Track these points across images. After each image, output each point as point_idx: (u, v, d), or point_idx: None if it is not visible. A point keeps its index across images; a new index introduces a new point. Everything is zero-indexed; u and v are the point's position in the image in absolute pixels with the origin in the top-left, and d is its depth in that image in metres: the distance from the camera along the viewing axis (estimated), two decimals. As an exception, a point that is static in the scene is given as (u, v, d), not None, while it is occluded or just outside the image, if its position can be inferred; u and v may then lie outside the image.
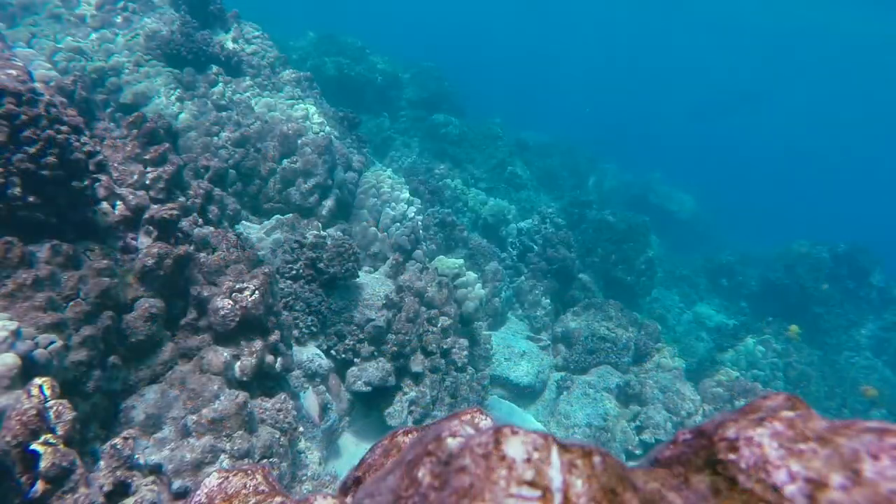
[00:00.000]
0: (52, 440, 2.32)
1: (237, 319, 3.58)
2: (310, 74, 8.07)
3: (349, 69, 13.48)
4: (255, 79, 7.38)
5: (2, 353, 2.40)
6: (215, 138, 6.46)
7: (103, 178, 3.34)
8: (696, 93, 46.53)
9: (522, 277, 9.01)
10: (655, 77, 47.94)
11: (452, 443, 0.62)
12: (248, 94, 7.14)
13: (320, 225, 6.50)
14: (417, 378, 5.49)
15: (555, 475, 0.56)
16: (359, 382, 5.17)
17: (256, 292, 3.67)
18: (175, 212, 3.63)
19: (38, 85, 3.18)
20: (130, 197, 3.53)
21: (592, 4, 45.72)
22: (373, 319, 5.42)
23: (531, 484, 0.55)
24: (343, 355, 5.29)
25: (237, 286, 3.66)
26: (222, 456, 3.18)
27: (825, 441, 0.62)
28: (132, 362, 3.20)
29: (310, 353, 4.99)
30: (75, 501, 2.32)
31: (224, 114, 6.66)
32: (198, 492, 1.14)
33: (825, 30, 32.69)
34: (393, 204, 7.05)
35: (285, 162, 6.56)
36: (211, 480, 1.15)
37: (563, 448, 0.59)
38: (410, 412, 5.31)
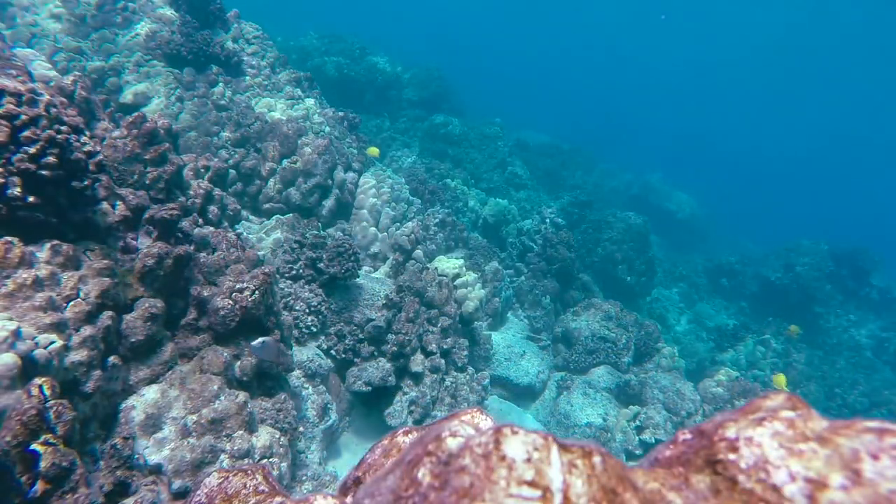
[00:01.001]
0: (52, 440, 2.32)
1: (237, 319, 3.58)
2: (310, 74, 8.07)
3: (349, 69, 13.49)
4: (255, 79, 7.39)
5: (2, 353, 2.40)
6: (215, 138, 6.47)
7: (103, 178, 3.34)
8: (695, 92, 46.54)
9: (522, 277, 9.01)
10: (655, 77, 47.95)
11: (452, 443, 0.62)
12: (248, 94, 7.15)
13: (320, 225, 6.50)
14: (417, 378, 5.49)
15: (555, 475, 0.56)
16: (359, 382, 5.17)
17: (256, 292, 3.68)
18: (175, 212, 3.63)
19: (38, 85, 3.19)
20: (130, 197, 3.53)
21: (592, 4, 45.76)
22: (373, 319, 5.42)
23: (531, 484, 0.55)
24: (343, 355, 5.29)
25: (237, 286, 3.66)
26: (222, 456, 3.18)
27: (825, 441, 0.62)
28: (132, 362, 3.21)
29: (310, 353, 4.99)
30: (75, 501, 2.32)
31: (224, 114, 6.66)
32: (198, 492, 1.14)
33: (827, 30, 32.70)
34: (393, 204, 7.05)
35: (285, 162, 6.56)
36: (211, 480, 1.15)
37: (564, 448, 0.59)
38: (410, 412, 5.31)
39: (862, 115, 41.13)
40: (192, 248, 3.78)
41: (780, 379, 7.47)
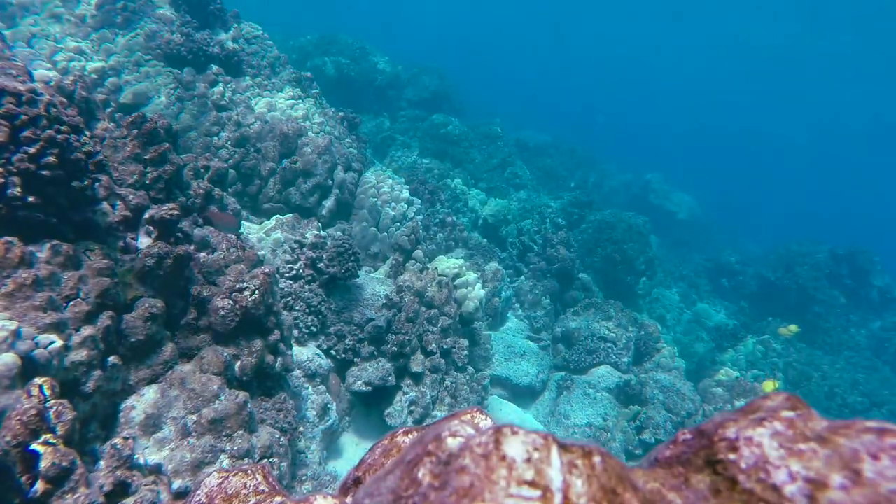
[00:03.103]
0: (52, 440, 2.32)
1: (237, 319, 3.58)
2: (310, 74, 8.07)
3: (349, 69, 13.49)
4: (255, 79, 7.38)
5: (2, 353, 2.40)
6: (215, 138, 6.46)
7: (103, 178, 3.34)
8: (695, 91, 46.56)
9: (522, 277, 9.01)
10: (656, 76, 47.95)
11: (452, 443, 0.62)
12: (248, 94, 7.15)
13: (320, 225, 6.50)
14: (417, 378, 5.49)
15: (555, 475, 0.56)
16: (359, 382, 5.17)
17: (256, 292, 3.67)
18: (175, 212, 3.63)
19: (38, 85, 3.19)
20: (130, 197, 3.53)
21: (591, 4, 45.74)
22: (373, 319, 5.42)
23: (531, 484, 0.55)
24: (343, 355, 5.29)
25: (237, 286, 3.66)
26: (222, 456, 3.18)
27: (825, 441, 0.62)
28: (132, 362, 3.20)
29: (310, 353, 4.99)
30: (75, 501, 2.32)
31: (224, 114, 6.66)
32: (198, 492, 1.14)
33: (827, 28, 32.67)
34: (393, 204, 7.05)
35: (285, 162, 6.56)
36: (211, 480, 1.15)
37: (564, 448, 0.59)
38: (410, 412, 5.31)
39: (862, 114, 41.14)
40: (192, 248, 3.78)
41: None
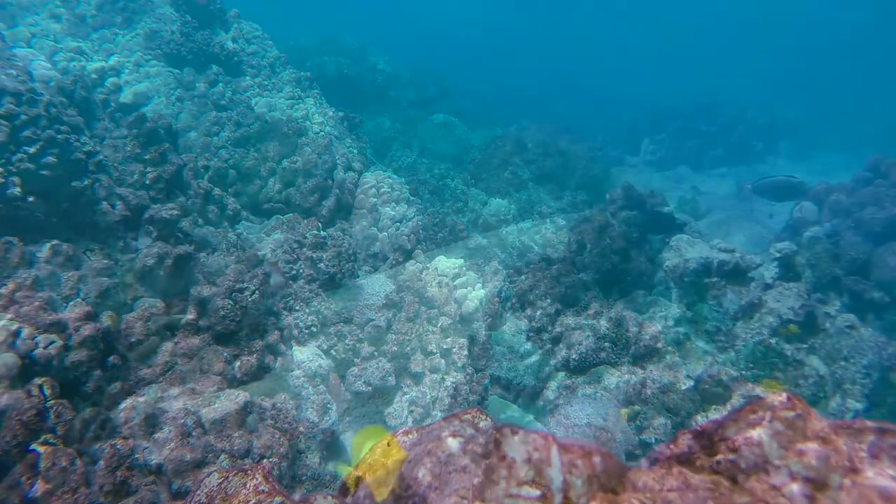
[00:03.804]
0: (52, 440, 2.32)
1: (237, 319, 3.58)
2: (310, 74, 8.07)
3: (349, 69, 13.50)
4: (255, 78, 7.38)
5: (2, 353, 2.40)
6: (215, 138, 6.46)
7: (103, 178, 3.34)
8: (696, 90, 46.45)
9: (522, 277, 9.01)
10: (657, 75, 47.88)
11: (453, 443, 0.62)
12: (248, 93, 7.14)
13: (320, 225, 6.50)
14: (417, 378, 5.49)
15: (555, 475, 0.56)
16: (359, 382, 5.17)
17: (256, 292, 3.67)
18: (175, 212, 3.63)
19: (38, 85, 3.19)
20: (130, 197, 3.53)
21: (592, 3, 45.72)
22: (373, 319, 5.42)
23: (531, 484, 0.55)
24: (343, 355, 5.29)
25: (237, 286, 3.66)
26: (222, 456, 3.17)
27: (825, 441, 0.62)
28: (132, 362, 3.21)
29: (310, 353, 4.99)
30: (75, 501, 2.32)
31: (224, 114, 6.66)
32: (198, 492, 1.14)
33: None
34: (393, 204, 7.05)
35: (285, 162, 6.56)
36: (211, 480, 1.15)
37: (564, 448, 0.59)
38: (410, 412, 5.31)
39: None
40: (192, 247, 3.78)
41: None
